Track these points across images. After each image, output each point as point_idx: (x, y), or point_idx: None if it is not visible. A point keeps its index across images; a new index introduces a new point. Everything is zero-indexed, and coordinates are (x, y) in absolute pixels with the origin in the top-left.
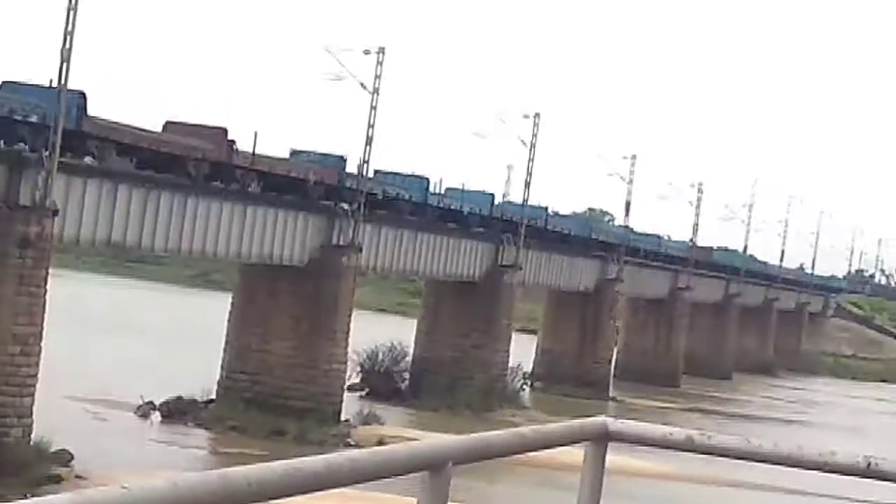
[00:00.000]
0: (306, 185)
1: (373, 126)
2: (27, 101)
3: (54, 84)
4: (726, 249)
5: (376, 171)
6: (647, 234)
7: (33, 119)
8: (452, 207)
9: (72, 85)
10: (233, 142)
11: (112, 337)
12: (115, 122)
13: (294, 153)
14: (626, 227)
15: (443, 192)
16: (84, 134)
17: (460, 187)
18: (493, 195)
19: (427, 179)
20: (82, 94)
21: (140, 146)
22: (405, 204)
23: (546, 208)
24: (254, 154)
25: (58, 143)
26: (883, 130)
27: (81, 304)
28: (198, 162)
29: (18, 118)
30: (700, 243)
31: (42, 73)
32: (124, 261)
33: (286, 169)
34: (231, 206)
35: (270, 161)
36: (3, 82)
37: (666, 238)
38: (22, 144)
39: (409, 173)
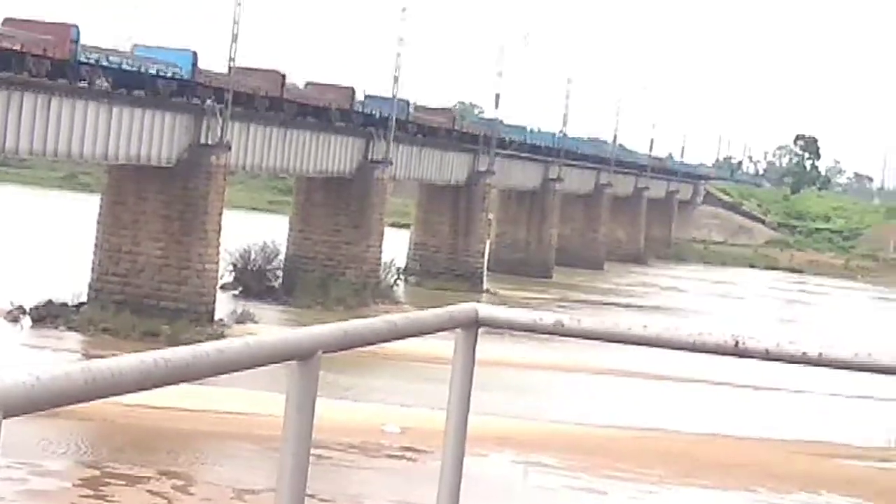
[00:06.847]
0: (156, 81)
1: (237, 23)
2: None
3: None
4: (598, 140)
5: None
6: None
7: None
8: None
9: None
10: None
11: None
12: None
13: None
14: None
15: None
16: None
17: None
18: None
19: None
20: None
21: None
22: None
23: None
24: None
25: None
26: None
27: None
28: (38, 59)
29: None
30: (570, 134)
31: None
32: None
33: (135, 65)
34: (96, 107)
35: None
36: None
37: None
38: None
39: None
